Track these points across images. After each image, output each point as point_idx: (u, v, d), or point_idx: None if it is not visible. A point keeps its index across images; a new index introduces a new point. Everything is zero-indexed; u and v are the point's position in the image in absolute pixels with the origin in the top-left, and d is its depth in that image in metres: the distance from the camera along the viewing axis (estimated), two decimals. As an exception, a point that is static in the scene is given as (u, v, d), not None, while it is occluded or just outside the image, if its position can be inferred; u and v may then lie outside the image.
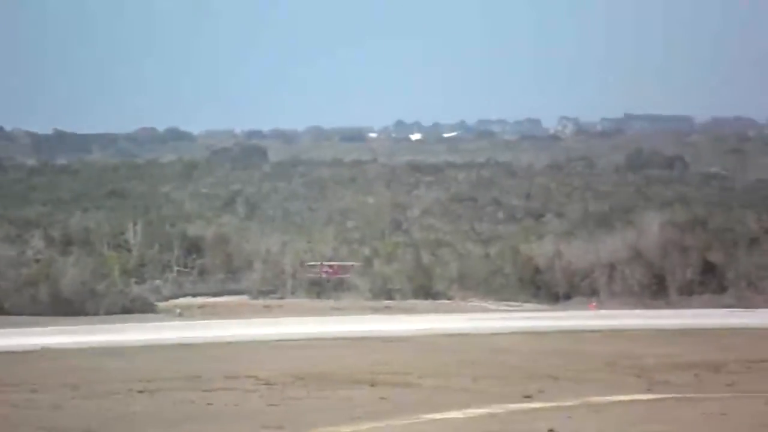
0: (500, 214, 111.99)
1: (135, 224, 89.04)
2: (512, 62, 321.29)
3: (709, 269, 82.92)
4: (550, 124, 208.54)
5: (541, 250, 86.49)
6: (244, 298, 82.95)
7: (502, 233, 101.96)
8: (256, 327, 62.11)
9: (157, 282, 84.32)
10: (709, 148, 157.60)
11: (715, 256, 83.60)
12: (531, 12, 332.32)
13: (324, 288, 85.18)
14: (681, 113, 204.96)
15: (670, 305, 78.55)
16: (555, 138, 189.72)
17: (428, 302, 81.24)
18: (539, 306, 79.83)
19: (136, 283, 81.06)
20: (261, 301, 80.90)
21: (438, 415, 34.33)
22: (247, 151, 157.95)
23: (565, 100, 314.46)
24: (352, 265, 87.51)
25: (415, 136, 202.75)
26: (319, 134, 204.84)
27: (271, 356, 49.49)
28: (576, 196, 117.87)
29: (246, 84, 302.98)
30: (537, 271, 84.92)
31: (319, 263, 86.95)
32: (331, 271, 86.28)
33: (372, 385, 41.06)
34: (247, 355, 49.86)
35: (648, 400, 37.74)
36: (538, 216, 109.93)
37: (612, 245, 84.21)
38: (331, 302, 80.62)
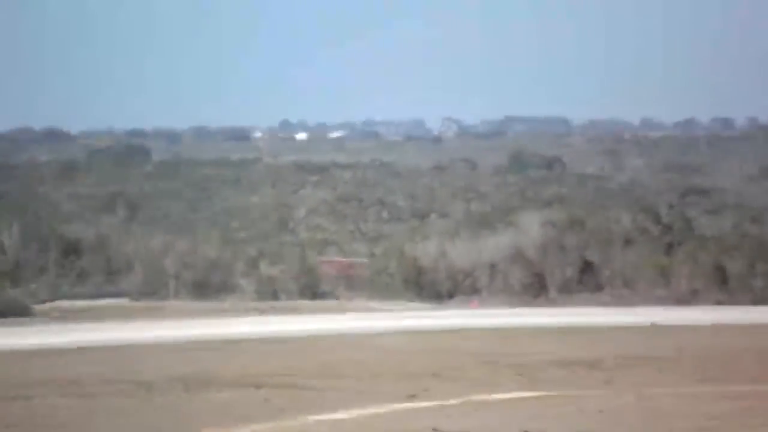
0: (385, 214, 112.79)
1: (10, 226, 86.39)
2: (397, 63, 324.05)
3: (587, 268, 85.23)
4: (434, 126, 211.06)
5: (425, 250, 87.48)
6: (124, 300, 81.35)
7: (387, 233, 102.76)
8: (136, 330, 60.97)
9: (34, 285, 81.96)
10: (585, 149, 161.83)
11: (593, 255, 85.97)
12: (420, 11, 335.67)
13: (207, 289, 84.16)
14: (558, 115, 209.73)
15: (550, 303, 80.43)
16: (438, 139, 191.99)
17: (314, 302, 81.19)
18: (423, 305, 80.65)
19: (11, 286, 78.65)
20: (142, 304, 79.45)
21: (323, 416, 34.36)
22: (128, 151, 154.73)
23: (447, 102, 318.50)
24: (361, 262, 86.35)
25: (301, 136, 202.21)
26: (202, 133, 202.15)
27: (151, 359, 48.65)
28: (459, 197, 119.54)
29: (126, 81, 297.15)
30: (421, 270, 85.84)
31: (328, 259, 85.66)
32: (339, 266, 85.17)
33: (257, 387, 40.79)
34: (126, 359, 48.89)
35: (528, 398, 38.51)
36: (423, 216, 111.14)
37: (493, 245, 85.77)
38: (215, 304, 79.75)
